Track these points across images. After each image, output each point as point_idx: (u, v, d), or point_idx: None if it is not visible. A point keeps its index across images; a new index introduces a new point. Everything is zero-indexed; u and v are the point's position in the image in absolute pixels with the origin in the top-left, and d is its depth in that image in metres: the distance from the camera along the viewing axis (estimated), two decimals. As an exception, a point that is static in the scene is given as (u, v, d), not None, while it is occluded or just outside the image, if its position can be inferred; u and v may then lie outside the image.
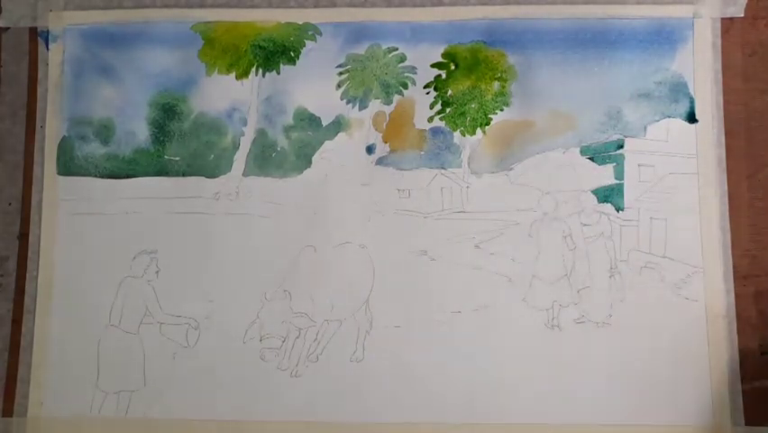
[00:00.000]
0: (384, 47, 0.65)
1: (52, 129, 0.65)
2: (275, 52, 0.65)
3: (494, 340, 0.61)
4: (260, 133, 0.65)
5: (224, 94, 0.65)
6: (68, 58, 0.66)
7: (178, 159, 0.65)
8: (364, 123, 0.64)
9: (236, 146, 0.65)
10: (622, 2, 0.64)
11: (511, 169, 0.63)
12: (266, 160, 0.64)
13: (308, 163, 0.64)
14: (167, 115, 0.65)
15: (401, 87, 0.65)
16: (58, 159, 0.65)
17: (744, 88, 0.63)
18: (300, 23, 0.66)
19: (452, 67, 0.65)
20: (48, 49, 0.66)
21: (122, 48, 0.66)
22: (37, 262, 0.64)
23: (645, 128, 0.63)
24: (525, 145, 0.63)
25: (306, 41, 0.65)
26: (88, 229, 0.64)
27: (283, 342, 0.62)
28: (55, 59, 0.66)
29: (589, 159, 0.63)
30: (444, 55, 0.65)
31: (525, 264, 0.62)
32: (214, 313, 0.63)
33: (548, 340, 0.61)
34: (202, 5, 0.66)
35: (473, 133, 0.64)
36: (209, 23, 0.66)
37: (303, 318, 0.62)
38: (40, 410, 0.62)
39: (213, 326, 0.62)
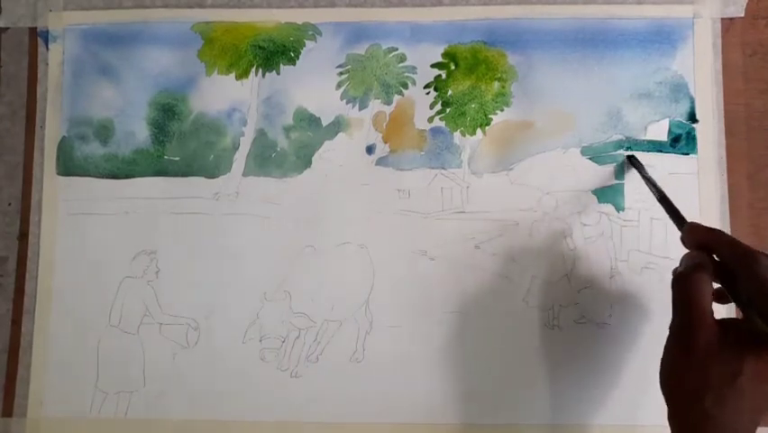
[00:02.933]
0: (384, 47, 0.65)
1: (52, 129, 0.65)
2: (275, 52, 0.65)
3: (494, 340, 0.61)
4: (260, 134, 0.65)
5: (223, 94, 0.65)
6: (68, 58, 0.66)
7: (177, 159, 0.65)
8: (364, 123, 0.64)
9: (236, 146, 0.65)
10: (622, 2, 0.64)
11: (511, 169, 0.63)
12: (266, 160, 0.64)
13: (308, 163, 0.64)
14: (167, 115, 0.65)
15: (401, 87, 0.65)
16: (57, 159, 0.65)
17: (744, 88, 0.63)
18: (300, 23, 0.65)
19: (453, 67, 0.65)
20: (48, 49, 0.66)
21: (122, 48, 0.66)
22: (37, 263, 0.64)
23: (646, 128, 0.63)
24: (525, 145, 0.63)
25: (305, 41, 0.65)
26: (88, 229, 0.64)
27: (283, 342, 0.62)
28: (55, 59, 0.66)
29: (590, 159, 0.63)
30: (444, 55, 0.65)
31: (526, 264, 0.62)
32: (214, 313, 0.63)
33: (548, 340, 0.61)
34: (202, 5, 0.66)
35: (473, 133, 0.64)
36: (209, 23, 0.66)
37: (303, 319, 0.62)
38: (40, 411, 0.62)
39: (213, 326, 0.62)
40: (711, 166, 0.62)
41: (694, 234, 0.47)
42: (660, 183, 0.57)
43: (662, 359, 0.45)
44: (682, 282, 0.44)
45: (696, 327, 0.42)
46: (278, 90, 0.65)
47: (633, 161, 0.61)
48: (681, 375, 0.43)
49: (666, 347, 0.45)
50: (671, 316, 0.45)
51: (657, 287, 0.61)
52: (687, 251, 0.47)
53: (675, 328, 0.45)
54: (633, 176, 0.62)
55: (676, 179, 0.62)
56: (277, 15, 0.66)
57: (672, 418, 0.44)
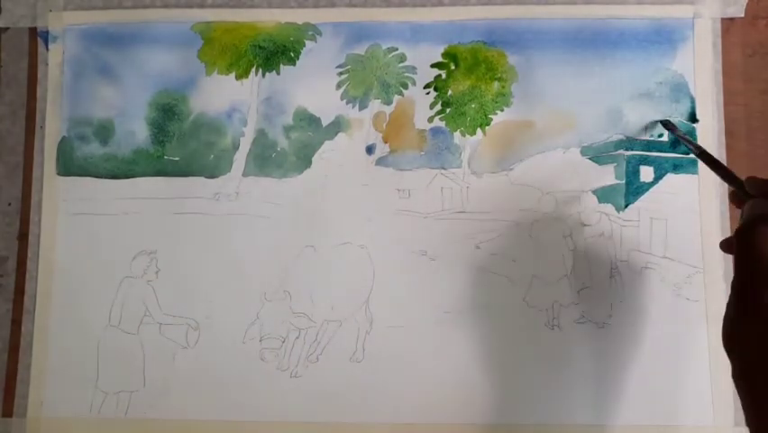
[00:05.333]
0: (384, 47, 0.65)
1: (52, 129, 0.65)
2: (275, 52, 0.65)
3: (494, 340, 0.61)
4: (260, 134, 0.65)
5: (223, 94, 0.65)
6: (68, 58, 0.66)
7: (177, 159, 0.65)
8: (364, 123, 0.64)
9: (236, 146, 0.65)
10: (622, 2, 0.64)
11: (511, 169, 0.63)
12: (266, 160, 0.64)
13: (308, 163, 0.64)
14: (166, 115, 0.65)
15: (401, 88, 0.65)
16: (57, 159, 0.65)
17: (744, 88, 0.63)
18: (300, 23, 0.65)
19: (452, 67, 0.65)
20: (48, 49, 0.66)
21: (121, 48, 0.66)
22: (37, 263, 0.64)
23: (646, 128, 0.63)
24: (525, 145, 0.63)
25: (306, 42, 0.65)
26: (88, 229, 0.64)
27: (283, 342, 0.62)
28: (55, 59, 0.66)
29: (590, 159, 0.63)
30: (444, 55, 0.65)
31: (526, 264, 0.62)
32: (214, 313, 0.63)
33: (548, 340, 0.61)
34: (202, 5, 0.66)
35: (473, 133, 0.64)
36: (209, 23, 0.66)
37: (303, 319, 0.62)
38: (40, 411, 0.62)
39: (213, 326, 0.62)
40: (711, 166, 0.62)
41: (755, 186, 0.46)
42: (664, 182, 0.56)
43: (725, 317, 0.43)
44: (745, 235, 0.41)
45: (760, 282, 0.40)
46: (278, 90, 0.65)
47: (667, 126, 0.61)
48: (745, 334, 0.42)
49: (728, 304, 0.43)
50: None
51: (657, 287, 0.61)
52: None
53: (738, 285, 0.43)
54: (633, 176, 0.62)
55: (676, 180, 0.62)
56: (277, 15, 0.66)
57: (739, 377, 0.42)
